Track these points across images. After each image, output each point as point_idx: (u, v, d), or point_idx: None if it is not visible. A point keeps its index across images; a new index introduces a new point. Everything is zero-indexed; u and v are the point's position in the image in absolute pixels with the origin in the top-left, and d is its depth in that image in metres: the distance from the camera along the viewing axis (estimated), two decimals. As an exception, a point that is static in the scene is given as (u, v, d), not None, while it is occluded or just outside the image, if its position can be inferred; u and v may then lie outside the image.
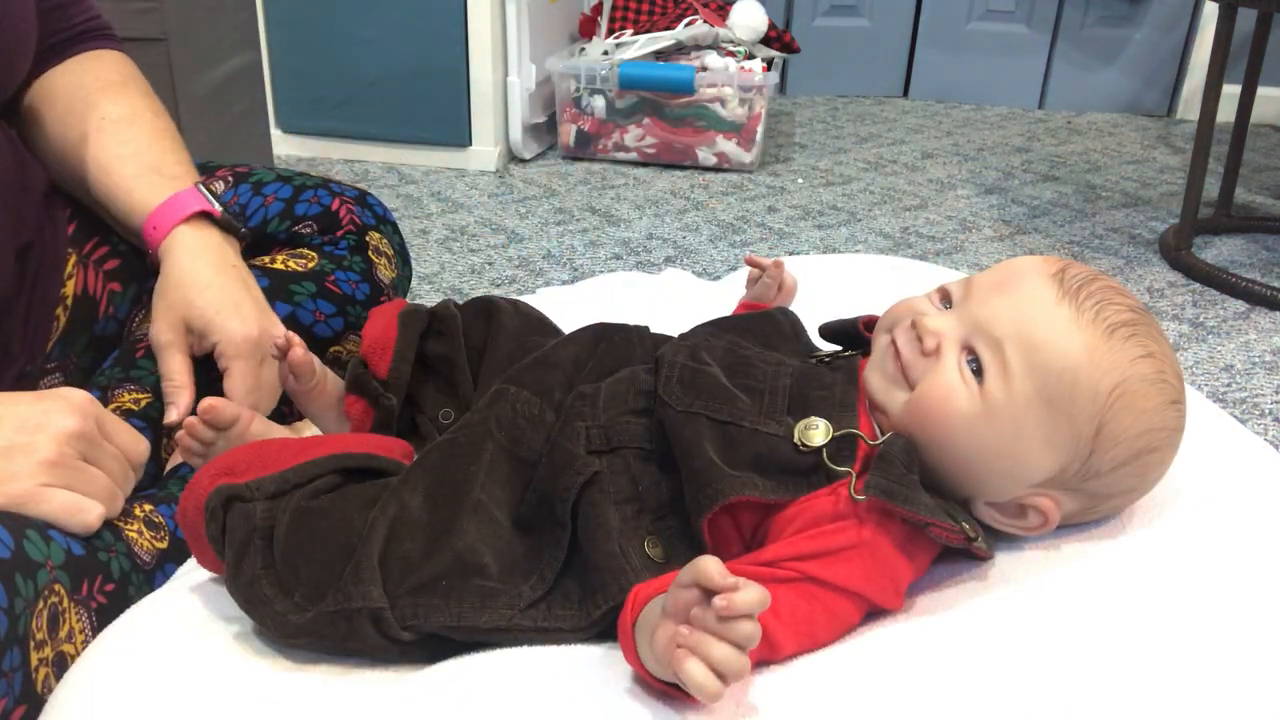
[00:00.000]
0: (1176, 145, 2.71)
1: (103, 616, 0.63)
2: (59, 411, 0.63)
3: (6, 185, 0.80)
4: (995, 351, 0.60)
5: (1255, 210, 2.20)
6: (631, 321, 0.77)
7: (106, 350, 0.90)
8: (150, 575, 0.69)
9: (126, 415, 0.82)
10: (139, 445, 0.69)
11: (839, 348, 0.73)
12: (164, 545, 0.71)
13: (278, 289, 0.92)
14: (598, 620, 0.58)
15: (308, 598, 0.58)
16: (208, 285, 0.82)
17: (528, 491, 0.64)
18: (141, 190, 0.85)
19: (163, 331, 0.81)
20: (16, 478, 0.60)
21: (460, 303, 0.80)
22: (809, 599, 0.56)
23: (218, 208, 0.87)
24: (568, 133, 2.44)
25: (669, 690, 0.51)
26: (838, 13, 3.12)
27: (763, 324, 0.75)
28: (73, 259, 0.88)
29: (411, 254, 1.83)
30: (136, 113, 0.89)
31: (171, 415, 0.80)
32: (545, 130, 2.53)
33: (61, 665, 0.59)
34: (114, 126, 0.87)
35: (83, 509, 0.63)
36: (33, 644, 0.56)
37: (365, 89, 2.32)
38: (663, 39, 2.39)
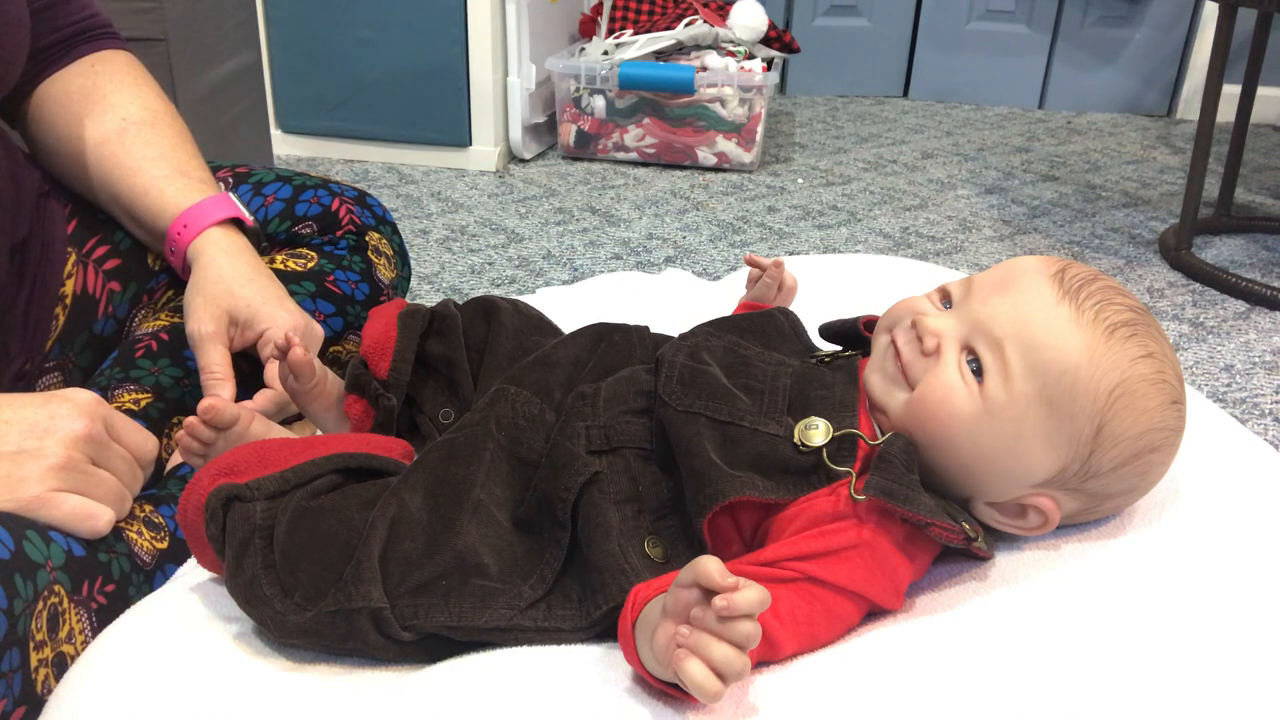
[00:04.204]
0: (1176, 145, 2.71)
1: (103, 617, 0.63)
2: (66, 414, 0.63)
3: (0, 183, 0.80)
4: (995, 351, 0.60)
5: (1255, 210, 2.20)
6: (631, 321, 0.77)
7: (106, 350, 0.90)
8: (150, 576, 0.69)
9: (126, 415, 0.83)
10: (148, 444, 0.69)
11: (839, 348, 0.73)
12: (164, 546, 0.71)
13: (277, 289, 0.92)
14: (598, 620, 0.58)
15: (308, 597, 0.58)
16: (250, 280, 0.83)
17: (528, 491, 0.64)
18: (172, 191, 0.86)
19: (204, 323, 0.81)
20: (26, 483, 0.60)
21: (460, 303, 0.80)
22: (809, 599, 0.56)
23: (249, 217, 0.88)
24: (568, 133, 2.44)
25: (669, 690, 0.51)
26: (838, 13, 3.12)
27: (763, 324, 0.75)
28: (72, 258, 0.88)
29: (411, 254, 1.83)
30: (157, 115, 0.90)
31: None
32: (545, 130, 2.53)
33: (61, 666, 0.59)
34: (137, 128, 0.88)
35: (93, 514, 0.63)
36: (32, 645, 0.56)
37: (365, 89, 2.32)
38: (663, 39, 2.39)
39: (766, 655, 0.55)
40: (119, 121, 0.88)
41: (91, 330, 0.89)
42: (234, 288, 0.82)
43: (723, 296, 1.01)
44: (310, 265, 0.96)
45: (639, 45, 2.38)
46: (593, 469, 0.61)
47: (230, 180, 1.00)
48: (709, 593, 0.48)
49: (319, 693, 0.56)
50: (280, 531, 0.59)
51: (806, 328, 0.77)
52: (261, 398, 0.81)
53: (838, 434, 0.61)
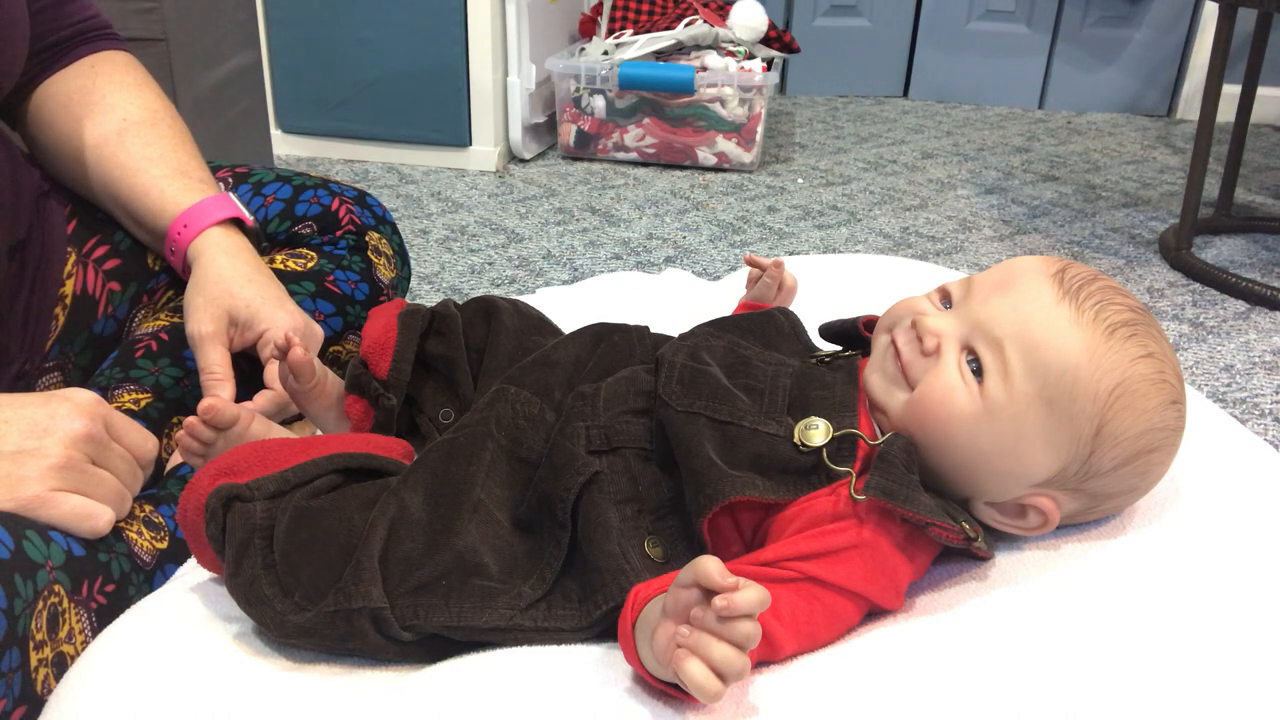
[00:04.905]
0: (1176, 145, 2.71)
1: (102, 617, 0.63)
2: (66, 414, 0.63)
3: None
4: (995, 351, 0.60)
5: (1255, 210, 2.20)
6: (631, 321, 0.77)
7: (106, 350, 0.90)
8: (150, 576, 0.69)
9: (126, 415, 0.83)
10: (147, 443, 0.69)
11: (839, 348, 0.73)
12: (164, 546, 0.71)
13: (277, 289, 0.92)
14: (598, 620, 0.58)
15: (308, 597, 0.58)
16: (250, 281, 0.83)
17: (528, 491, 0.64)
18: (173, 191, 0.86)
19: (204, 323, 0.81)
20: (26, 483, 0.60)
21: (460, 303, 0.80)
22: (809, 599, 0.56)
23: (249, 216, 0.88)
24: (568, 133, 2.43)
25: (669, 690, 0.51)
26: (838, 13, 3.12)
27: (763, 324, 0.75)
28: (72, 258, 0.88)
29: (411, 254, 1.83)
30: (157, 115, 0.90)
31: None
32: (545, 130, 2.53)
33: (61, 666, 0.59)
34: (137, 128, 0.88)
35: (92, 514, 0.63)
36: (32, 645, 0.56)
37: (365, 89, 2.32)
38: (663, 39, 2.39)
39: (766, 655, 0.55)
40: (119, 122, 0.88)
41: (91, 330, 0.89)
42: (234, 288, 0.82)
43: (723, 296, 1.01)
44: (310, 265, 0.96)
45: (639, 45, 2.38)
46: (593, 469, 0.61)
47: (230, 180, 1.00)
48: (709, 593, 0.48)
49: (319, 693, 0.56)
50: (280, 531, 0.59)
51: (806, 328, 0.77)
52: (261, 398, 0.81)
53: (838, 434, 0.61)
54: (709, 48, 2.43)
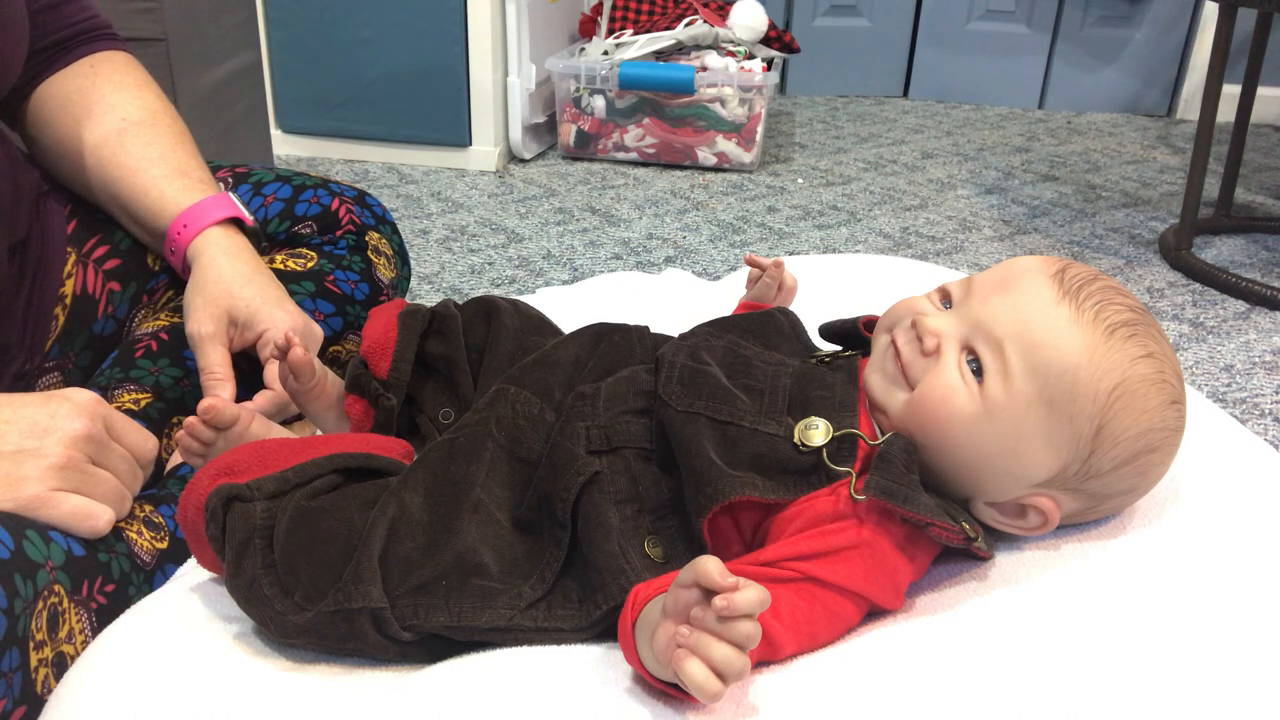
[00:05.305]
0: (1176, 145, 2.71)
1: (102, 617, 0.63)
2: (66, 414, 0.63)
3: None
4: (995, 351, 0.60)
5: (1255, 210, 2.20)
6: (631, 321, 0.77)
7: (105, 350, 0.90)
8: (150, 576, 0.69)
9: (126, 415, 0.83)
10: (147, 443, 0.69)
11: (839, 348, 0.73)
12: (164, 545, 0.71)
13: (277, 289, 0.92)
14: (598, 620, 0.58)
15: (308, 597, 0.58)
16: (249, 281, 0.84)
17: (528, 491, 0.64)
18: (172, 191, 0.86)
19: (204, 324, 0.81)
20: (26, 482, 0.60)
21: (460, 303, 0.80)
22: (809, 599, 0.56)
23: (249, 216, 0.88)
24: (568, 133, 2.44)
25: (669, 690, 0.51)
26: (838, 13, 3.12)
27: (763, 324, 0.75)
28: (72, 258, 0.88)
29: (411, 254, 1.83)
30: (156, 115, 0.90)
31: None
32: (545, 130, 2.53)
33: (61, 666, 0.59)
34: (136, 129, 0.88)
35: (93, 514, 0.63)
36: (32, 645, 0.56)
37: (365, 89, 2.32)
38: (663, 39, 2.39)
39: (766, 655, 0.55)
40: (118, 122, 0.88)
41: (91, 330, 0.89)
42: (234, 288, 0.82)
43: (723, 296, 1.01)
44: (310, 265, 0.96)
45: (639, 45, 2.38)
46: (593, 469, 0.61)
47: (230, 180, 1.00)
48: (709, 593, 0.48)
49: (319, 693, 0.56)
50: (280, 531, 0.59)
51: (806, 328, 0.77)
52: (261, 398, 0.81)
53: (838, 434, 0.61)
54: (709, 48, 2.43)
